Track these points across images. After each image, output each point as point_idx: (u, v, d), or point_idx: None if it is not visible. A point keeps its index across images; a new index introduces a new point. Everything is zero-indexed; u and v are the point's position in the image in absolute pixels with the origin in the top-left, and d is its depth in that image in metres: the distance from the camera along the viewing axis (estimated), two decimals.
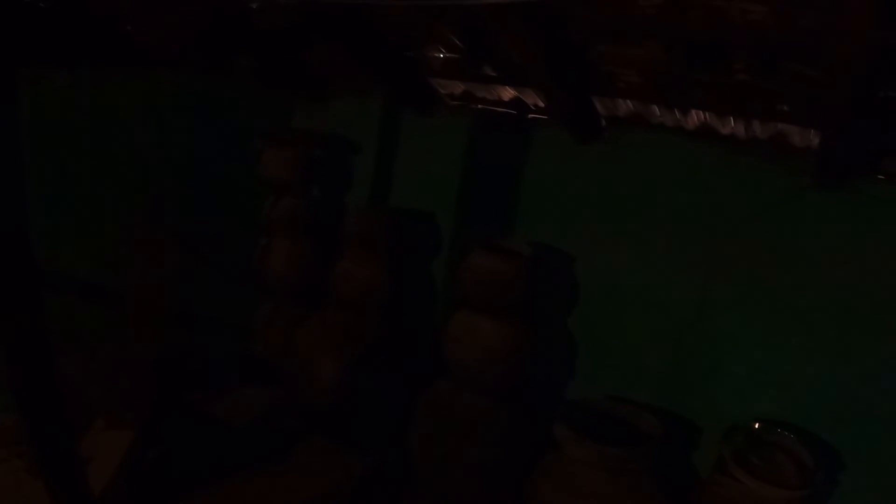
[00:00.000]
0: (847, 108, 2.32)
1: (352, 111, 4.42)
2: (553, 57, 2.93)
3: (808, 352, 2.89)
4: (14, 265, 2.47)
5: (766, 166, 2.91)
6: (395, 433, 3.40)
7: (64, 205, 3.74)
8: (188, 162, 4.22)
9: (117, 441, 3.31)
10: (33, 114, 3.33)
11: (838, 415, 2.83)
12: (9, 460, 3.14)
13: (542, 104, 3.51)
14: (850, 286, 2.76)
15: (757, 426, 2.83)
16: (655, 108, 3.14)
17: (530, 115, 3.60)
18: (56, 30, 3.52)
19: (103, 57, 3.81)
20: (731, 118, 2.95)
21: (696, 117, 3.05)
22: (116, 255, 3.88)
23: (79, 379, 3.48)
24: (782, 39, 2.31)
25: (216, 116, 4.31)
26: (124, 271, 3.85)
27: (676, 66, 2.76)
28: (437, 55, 3.61)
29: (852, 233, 2.75)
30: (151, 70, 3.98)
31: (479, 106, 3.80)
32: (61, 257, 3.65)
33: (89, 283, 3.87)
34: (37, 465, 2.78)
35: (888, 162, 2.66)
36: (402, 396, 3.43)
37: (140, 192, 3.99)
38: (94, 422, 3.40)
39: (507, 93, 3.62)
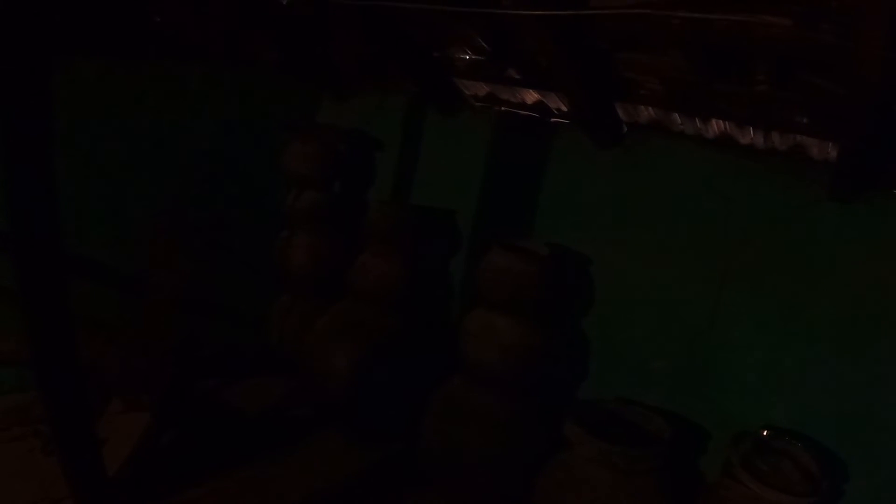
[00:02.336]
0: (865, 122, 2.34)
1: (376, 108, 4.46)
2: (577, 62, 2.97)
3: (820, 360, 2.90)
4: (41, 249, 2.54)
5: (783, 177, 2.93)
6: (407, 427, 3.44)
7: (90, 191, 3.80)
8: (213, 153, 4.26)
9: (133, 424, 3.38)
10: (63, 101, 3.42)
11: (848, 423, 2.83)
12: (25, 438, 3.22)
13: (564, 108, 3.54)
14: (864, 297, 2.77)
15: (765, 433, 2.85)
16: (676, 116, 3.17)
17: (552, 119, 3.64)
18: (87, 20, 3.58)
19: (133, 48, 3.87)
20: (751, 128, 2.97)
21: (716, 126, 3.08)
22: (140, 243, 3.94)
23: (98, 361, 3.55)
24: (803, 53, 2.33)
25: (242, 109, 4.36)
26: (147, 258, 3.90)
27: (698, 76, 2.79)
28: (462, 56, 3.66)
29: (866, 245, 2.76)
30: (179, 62, 4.04)
31: (503, 108, 3.84)
32: (86, 242, 3.70)
33: (112, 268, 3.93)
34: (53, 443, 2.84)
35: None
36: (416, 391, 3.47)
37: (164, 182, 4.04)
38: (111, 404, 3.47)
39: (531, 96, 3.66)
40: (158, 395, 3.47)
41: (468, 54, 3.62)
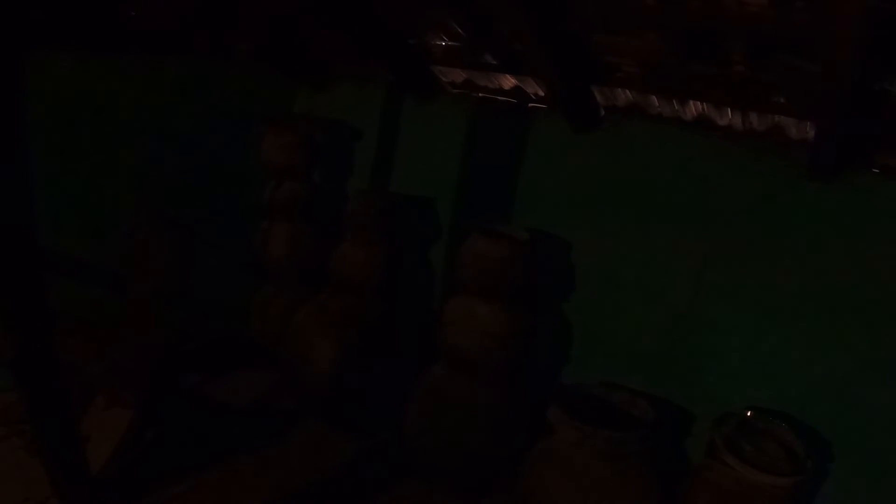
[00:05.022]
0: (842, 101, 2.34)
1: (353, 98, 4.44)
2: (552, 46, 2.95)
3: (802, 341, 2.90)
4: (17, 246, 2.51)
5: (762, 158, 2.93)
6: (391, 417, 3.44)
7: (67, 187, 3.76)
8: (190, 146, 4.22)
9: (116, 420, 3.36)
10: (39, 96, 3.39)
11: (831, 404, 2.85)
12: (8, 438, 3.19)
13: (542, 93, 3.53)
14: (844, 277, 2.78)
15: (749, 414, 2.86)
16: (654, 99, 3.16)
17: (530, 104, 3.62)
18: (63, 14, 3.53)
19: (106, 42, 3.82)
20: (729, 109, 2.96)
21: (693, 108, 3.07)
22: (118, 238, 3.90)
23: (80, 359, 3.53)
24: (779, 32, 2.33)
25: (218, 102, 4.32)
26: (126, 254, 3.87)
27: (675, 57, 2.78)
28: (438, 43, 3.63)
29: (846, 225, 2.76)
30: (156, 55, 4.00)
31: (480, 94, 3.82)
32: (64, 239, 3.67)
33: (91, 264, 3.89)
34: (36, 443, 2.82)
35: (882, 155, 2.66)
36: (399, 380, 3.47)
37: (142, 176, 4.00)
38: (94, 401, 3.45)
39: (508, 81, 3.64)
40: (141, 392, 3.45)
41: (444, 40, 3.59)
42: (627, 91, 3.20)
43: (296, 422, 3.74)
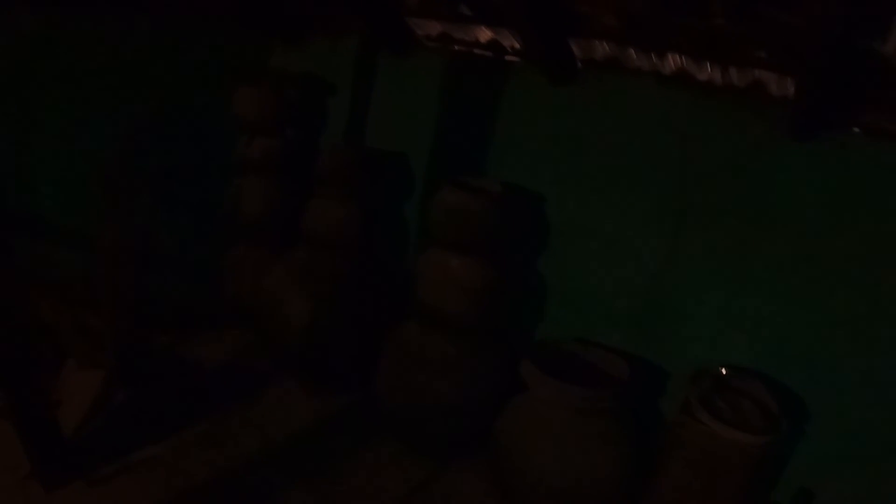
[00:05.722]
0: (824, 57, 2.29)
1: (327, 53, 4.33)
2: None
3: (778, 300, 2.90)
4: None
5: (741, 114, 2.88)
6: (365, 374, 3.42)
7: (35, 147, 3.67)
8: (162, 103, 4.12)
9: (89, 382, 3.31)
10: (8, 55, 3.28)
11: (806, 362, 2.85)
12: None
13: (518, 46, 3.44)
14: (821, 237, 2.76)
15: (724, 371, 2.87)
16: (632, 52, 3.09)
17: (506, 57, 3.54)
18: None
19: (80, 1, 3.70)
20: (708, 64, 2.90)
21: (672, 62, 3.01)
22: (89, 197, 3.81)
23: (50, 321, 3.46)
24: None
25: (191, 58, 4.22)
26: (96, 213, 3.78)
27: (653, 9, 2.72)
28: None
29: (825, 185, 2.73)
30: (128, 13, 3.87)
31: (456, 47, 3.73)
32: (33, 199, 3.58)
33: (61, 224, 3.82)
34: (5, 406, 2.77)
35: (864, 114, 2.62)
36: (374, 337, 3.44)
37: (116, 134, 3.89)
38: (65, 363, 3.40)
39: (484, 34, 3.55)
40: (113, 353, 3.40)
41: None
42: (605, 44, 3.12)
43: (270, 381, 3.70)
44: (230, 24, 4.31)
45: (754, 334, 2.99)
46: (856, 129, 2.65)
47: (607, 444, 2.82)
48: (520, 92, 3.52)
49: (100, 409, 3.24)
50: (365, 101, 4.12)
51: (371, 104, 4.12)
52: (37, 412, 2.81)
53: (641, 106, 3.15)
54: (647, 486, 2.88)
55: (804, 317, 2.84)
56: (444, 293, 3.14)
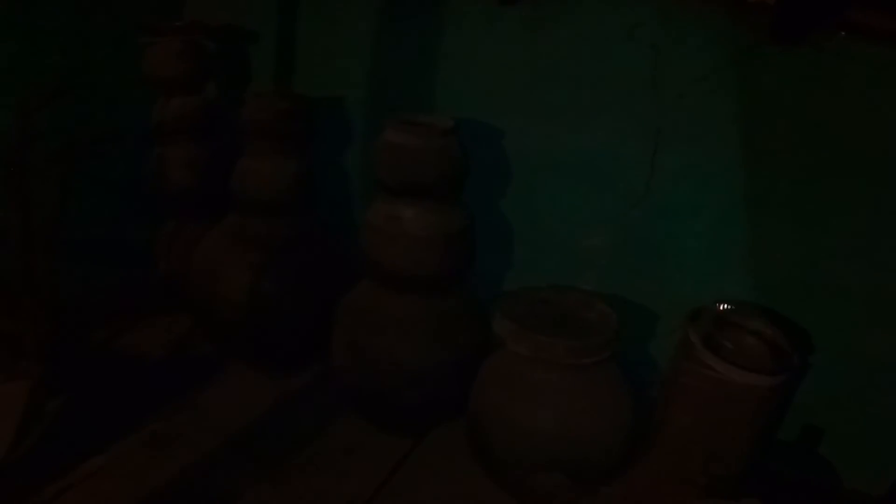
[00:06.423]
0: None
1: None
2: None
3: (772, 222, 2.66)
4: None
5: (717, 21, 2.58)
6: (322, 346, 3.11)
7: None
8: (66, 65, 3.70)
9: (13, 396, 2.93)
10: None
11: (806, 290, 2.63)
12: None
13: None
14: (814, 149, 2.52)
15: (722, 307, 2.59)
16: None
17: None
18: None
19: None
20: None
21: None
22: None
23: None
24: None
25: (97, 12, 3.78)
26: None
27: None
28: None
29: (813, 92, 2.48)
30: None
31: None
32: None
33: None
34: None
35: (852, 14, 2.35)
36: (326, 304, 3.10)
37: (6, 106, 3.45)
38: None
39: None
40: (37, 359, 3.03)
41: None
42: None
43: (217, 367, 3.37)
44: None
45: (746, 262, 2.75)
46: (842, 32, 2.39)
47: (599, 400, 2.53)
48: (465, 14, 3.12)
49: (31, 424, 2.88)
50: (290, 47, 3.70)
51: (298, 49, 3.70)
52: None
53: (605, 17, 2.80)
54: (648, 440, 2.63)
55: (803, 237, 2.60)
56: (397, 248, 2.78)
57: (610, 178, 2.93)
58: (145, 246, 3.90)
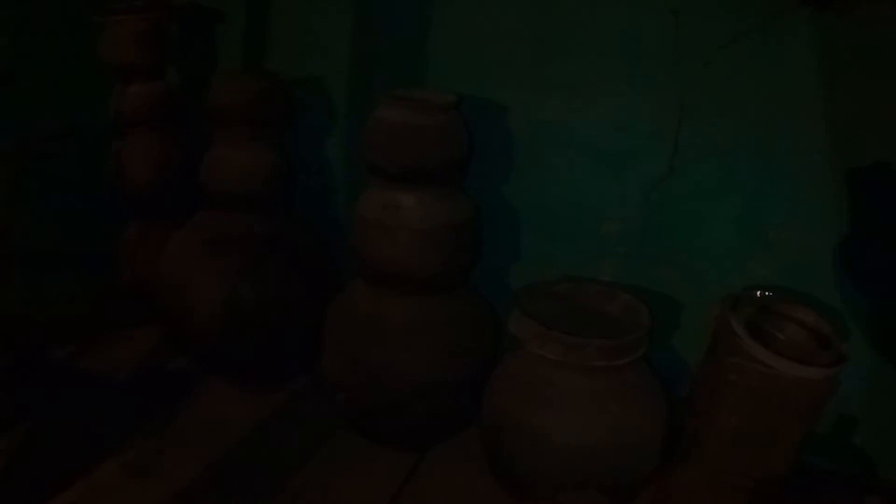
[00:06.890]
0: None
1: None
2: None
3: (807, 199, 2.45)
4: None
5: None
6: (308, 355, 2.88)
7: None
8: (13, 52, 3.50)
9: None
10: None
11: (845, 273, 2.44)
12: None
13: None
14: (852, 120, 2.31)
15: (763, 293, 2.34)
16: None
17: None
18: None
19: None
20: None
21: None
22: None
23: None
24: None
25: None
26: None
27: None
28: None
29: (847, 58, 2.27)
30: None
31: None
32: None
33: None
34: None
35: None
36: (310, 310, 2.86)
37: None
38: None
39: None
40: None
41: None
42: None
43: (192, 384, 3.12)
44: None
45: (777, 246, 2.54)
46: None
47: (638, 403, 2.28)
48: None
49: None
50: (261, 26, 3.42)
51: (269, 28, 3.42)
52: None
53: None
54: (682, 443, 2.37)
55: (835, 220, 2.41)
56: (398, 242, 2.50)
57: (629, 155, 2.70)
58: (108, 252, 3.67)
